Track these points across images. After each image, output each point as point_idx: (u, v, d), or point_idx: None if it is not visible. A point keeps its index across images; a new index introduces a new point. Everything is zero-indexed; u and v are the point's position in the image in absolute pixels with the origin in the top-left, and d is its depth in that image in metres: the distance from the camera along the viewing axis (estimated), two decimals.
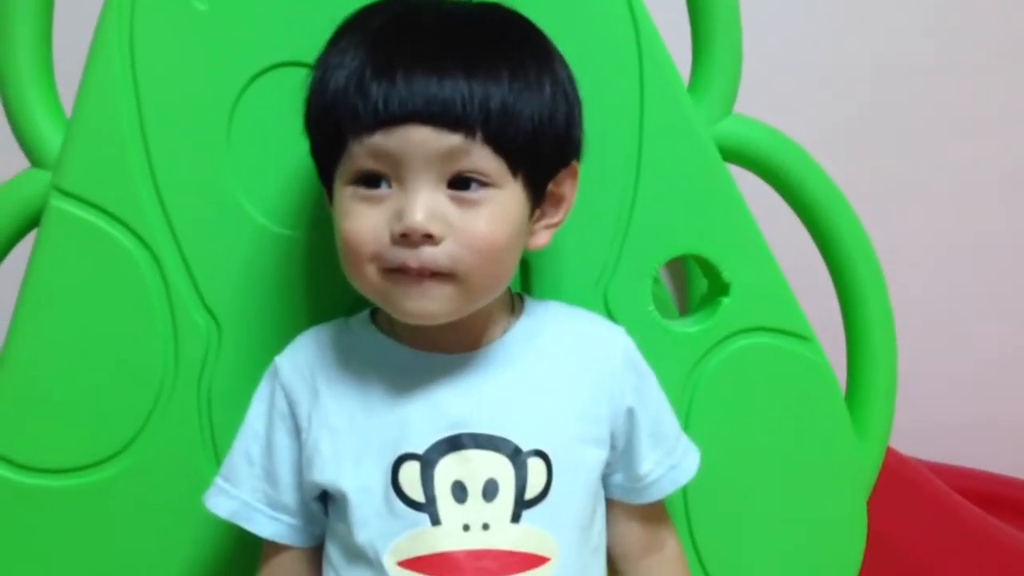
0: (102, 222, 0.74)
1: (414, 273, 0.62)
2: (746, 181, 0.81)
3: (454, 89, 0.60)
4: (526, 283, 0.79)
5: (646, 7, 0.77)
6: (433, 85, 0.60)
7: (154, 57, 0.73)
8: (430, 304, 0.63)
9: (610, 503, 0.73)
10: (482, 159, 0.61)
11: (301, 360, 0.70)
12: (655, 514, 0.75)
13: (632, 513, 0.74)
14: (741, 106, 0.80)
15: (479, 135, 0.61)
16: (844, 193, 0.82)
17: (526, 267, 0.78)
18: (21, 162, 0.76)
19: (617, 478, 0.72)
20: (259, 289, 0.77)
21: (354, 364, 0.68)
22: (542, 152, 0.64)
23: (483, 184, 0.62)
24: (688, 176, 0.78)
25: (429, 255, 0.61)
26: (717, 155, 0.79)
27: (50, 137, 0.75)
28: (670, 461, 0.72)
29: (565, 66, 0.68)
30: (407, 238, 0.60)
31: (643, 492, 0.72)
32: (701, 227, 0.79)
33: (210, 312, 0.76)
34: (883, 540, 0.88)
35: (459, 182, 0.61)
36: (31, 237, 0.76)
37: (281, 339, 0.73)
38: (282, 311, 0.77)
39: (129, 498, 0.77)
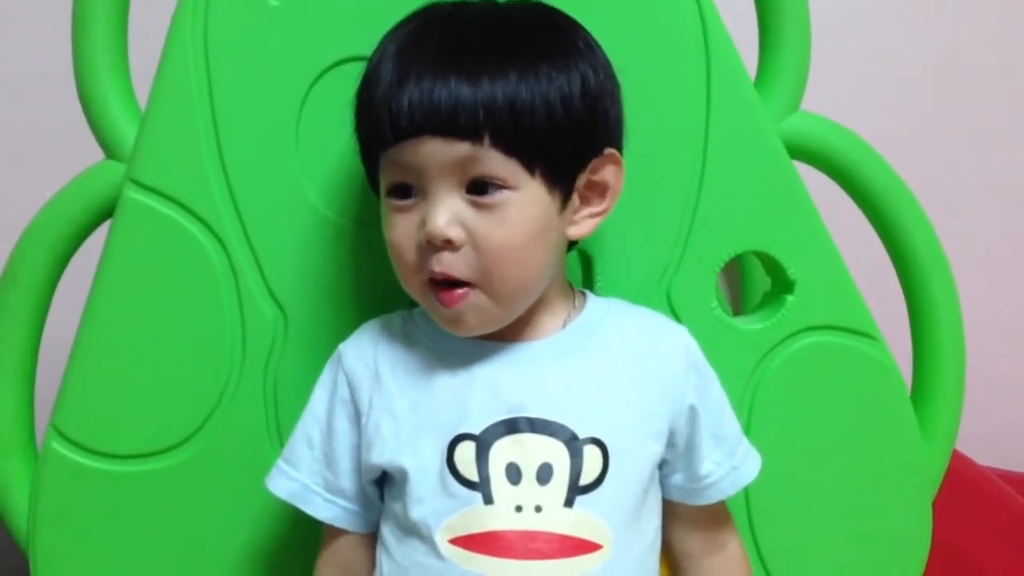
0: (174, 213, 0.76)
1: (440, 279, 0.64)
2: (812, 178, 0.80)
3: (457, 97, 0.61)
4: (589, 278, 0.79)
5: (714, 2, 0.76)
6: (437, 96, 0.61)
7: (227, 51, 0.75)
8: (467, 320, 0.66)
9: (670, 504, 0.72)
10: (493, 163, 0.63)
11: (364, 347, 0.71)
12: (717, 514, 0.75)
13: (694, 513, 0.73)
14: (808, 103, 0.79)
15: (486, 140, 0.62)
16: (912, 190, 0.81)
17: (589, 262, 0.78)
18: (96, 153, 0.78)
19: (677, 479, 0.72)
20: (325, 280, 0.78)
21: (416, 351, 0.70)
22: (559, 148, 0.64)
23: (499, 187, 0.63)
24: (754, 172, 0.78)
25: (449, 260, 0.63)
26: (783, 151, 0.78)
27: (125, 129, 0.76)
28: (731, 462, 0.72)
29: (593, 57, 0.67)
30: (431, 244, 0.63)
31: (703, 493, 0.72)
32: (766, 224, 0.78)
33: (277, 302, 0.77)
34: (947, 545, 0.86)
35: (476, 186, 0.63)
36: (105, 227, 0.78)
37: (345, 329, 0.74)
38: (347, 302, 0.78)
39: (196, 484, 0.78)
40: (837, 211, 0.81)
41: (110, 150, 0.77)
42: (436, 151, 0.62)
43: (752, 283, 1.15)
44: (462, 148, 0.62)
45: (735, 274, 1.24)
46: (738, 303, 1.21)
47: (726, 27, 0.77)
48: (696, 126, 0.77)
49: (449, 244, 0.63)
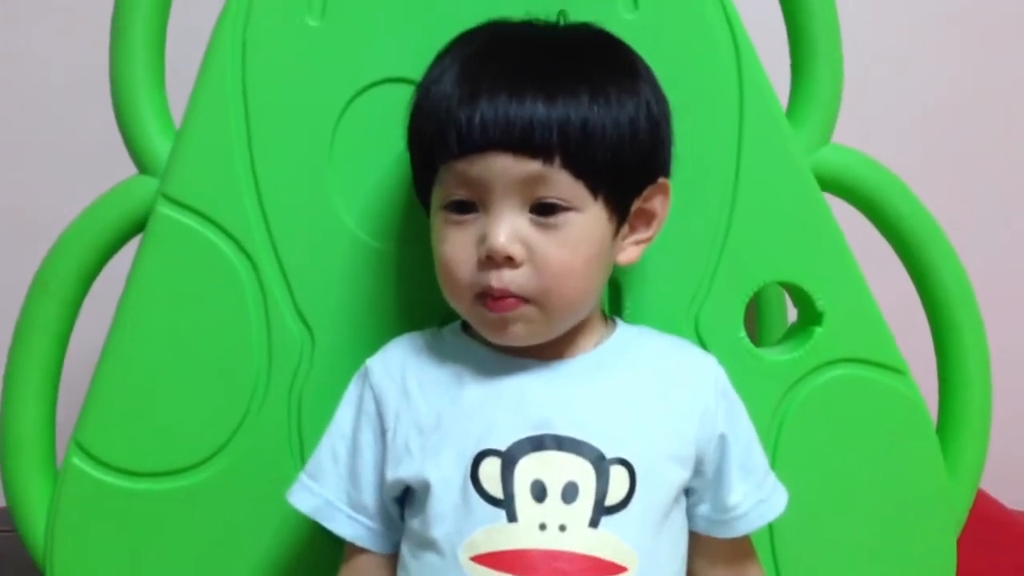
0: (205, 229, 0.76)
1: (497, 295, 0.64)
2: (842, 211, 0.80)
3: (532, 116, 0.62)
4: (617, 304, 0.79)
5: (747, 33, 0.77)
6: (512, 113, 0.62)
7: (264, 70, 0.75)
8: (514, 328, 0.65)
9: (695, 536, 0.72)
10: (561, 184, 0.63)
11: (392, 361, 0.71)
12: (741, 548, 0.74)
13: (718, 546, 0.72)
14: (839, 135, 0.80)
15: (557, 160, 0.62)
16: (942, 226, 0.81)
17: (618, 288, 0.78)
18: (129, 167, 0.78)
19: (704, 509, 0.71)
20: (353, 301, 0.78)
21: (445, 366, 0.70)
22: (623, 173, 0.65)
23: (564, 209, 0.63)
24: (784, 203, 0.78)
25: (510, 277, 0.63)
26: (814, 183, 0.78)
27: (159, 145, 0.77)
28: (759, 495, 0.71)
29: (653, 84, 0.69)
30: (491, 260, 0.63)
31: (730, 525, 0.71)
32: (796, 255, 0.79)
33: (304, 322, 0.77)
34: None
35: (541, 207, 0.64)
36: (135, 242, 0.78)
37: (372, 349, 0.73)
38: (375, 323, 0.77)
39: (217, 503, 0.77)
40: (866, 244, 0.81)
41: (143, 165, 0.77)
42: (506, 167, 0.62)
43: (769, 314, 1.15)
44: (532, 167, 0.62)
45: (751, 306, 1.23)
46: (754, 335, 1.21)
47: (759, 58, 0.77)
48: (728, 156, 0.77)
49: (510, 261, 0.63)
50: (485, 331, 0.67)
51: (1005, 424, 0.89)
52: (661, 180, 0.69)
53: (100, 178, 0.79)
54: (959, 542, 0.83)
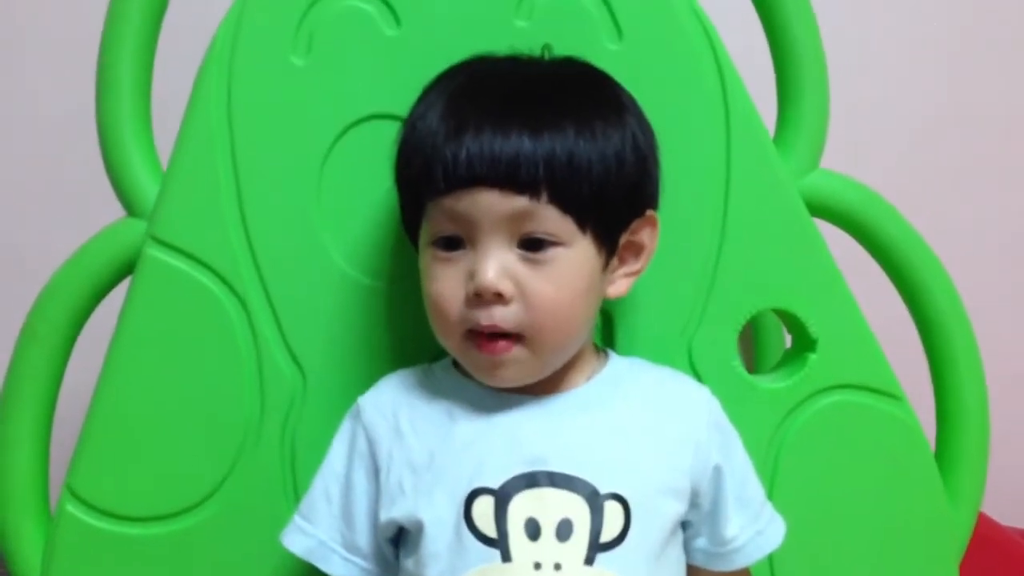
0: (195, 271, 0.76)
1: (487, 333, 0.64)
2: (833, 236, 0.80)
3: (518, 151, 0.62)
4: (609, 334, 0.78)
5: (732, 60, 0.77)
6: (498, 148, 0.62)
7: (250, 110, 0.75)
8: (505, 371, 0.65)
9: (693, 569, 0.71)
10: (549, 219, 0.63)
11: (384, 400, 0.71)
12: None
13: None
14: (828, 160, 0.80)
15: (544, 196, 0.62)
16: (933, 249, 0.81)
17: (609, 318, 0.78)
18: (117, 211, 0.78)
19: (700, 542, 0.71)
20: (345, 340, 0.77)
21: (437, 403, 0.69)
22: (611, 206, 0.65)
23: (552, 244, 0.63)
24: (774, 229, 0.78)
25: (500, 315, 0.63)
26: (804, 209, 0.78)
27: (146, 187, 0.76)
28: (756, 527, 0.71)
29: (639, 117, 0.69)
30: (480, 297, 0.63)
31: (728, 558, 0.70)
32: (787, 281, 0.78)
33: (296, 362, 0.77)
34: None
35: (529, 243, 0.63)
36: (124, 284, 0.78)
37: (364, 387, 0.73)
38: (367, 361, 0.77)
39: (212, 546, 0.77)
40: (858, 269, 0.81)
41: (132, 208, 0.77)
42: (492, 203, 0.62)
43: (767, 340, 1.15)
44: (519, 202, 0.62)
45: (748, 332, 1.23)
46: (751, 362, 1.20)
47: (745, 85, 0.77)
48: (716, 184, 0.77)
49: (499, 298, 0.63)
50: (475, 372, 0.67)
51: (998, 439, 0.88)
52: (649, 212, 0.68)
53: (88, 221, 0.79)
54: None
